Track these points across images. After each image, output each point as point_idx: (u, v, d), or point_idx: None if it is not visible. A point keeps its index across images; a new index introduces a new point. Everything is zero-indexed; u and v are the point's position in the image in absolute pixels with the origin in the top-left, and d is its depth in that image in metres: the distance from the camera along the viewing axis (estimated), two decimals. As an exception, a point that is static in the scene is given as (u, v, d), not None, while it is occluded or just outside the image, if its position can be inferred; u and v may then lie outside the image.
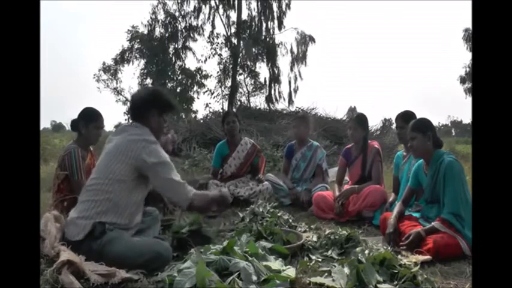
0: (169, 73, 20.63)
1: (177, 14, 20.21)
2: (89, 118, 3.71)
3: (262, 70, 21.04)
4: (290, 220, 3.61)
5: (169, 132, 9.72)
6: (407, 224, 3.20)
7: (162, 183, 2.62)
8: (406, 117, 3.96)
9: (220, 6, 20.04)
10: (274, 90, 20.82)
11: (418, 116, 3.62)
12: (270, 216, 3.50)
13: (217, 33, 20.37)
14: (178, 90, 20.89)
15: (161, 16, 20.26)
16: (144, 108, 2.78)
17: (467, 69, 30.97)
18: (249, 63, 20.77)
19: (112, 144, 2.69)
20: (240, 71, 20.85)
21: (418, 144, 3.24)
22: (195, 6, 20.09)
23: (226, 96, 20.56)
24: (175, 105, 3.00)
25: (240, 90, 20.93)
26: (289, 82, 20.83)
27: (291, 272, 2.34)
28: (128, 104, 20.77)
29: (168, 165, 2.63)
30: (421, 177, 3.38)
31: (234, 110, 17.01)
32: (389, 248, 2.81)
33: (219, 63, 20.72)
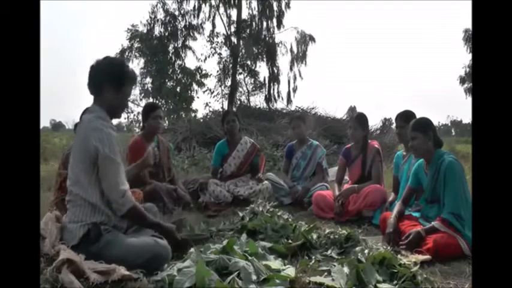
0: (169, 72, 20.59)
1: (176, 13, 20.17)
2: None
3: (262, 69, 20.99)
4: (290, 219, 3.60)
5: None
6: (407, 224, 3.20)
7: (106, 182, 2.42)
8: (405, 116, 3.96)
9: (221, 5, 20.00)
10: (274, 89, 20.78)
11: (418, 116, 3.62)
12: (269, 215, 3.49)
13: (217, 32, 20.35)
14: (178, 90, 20.84)
15: (161, 15, 20.21)
16: (98, 83, 2.52)
17: (467, 69, 31.00)
18: (249, 62, 20.72)
19: (75, 139, 2.57)
20: (240, 70, 20.81)
21: (419, 144, 3.24)
22: (194, 5, 20.06)
23: (226, 96, 20.50)
24: (133, 75, 2.67)
25: (240, 89, 20.89)
26: (289, 81, 20.79)
27: (290, 271, 2.34)
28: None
29: (115, 161, 2.41)
30: (421, 176, 3.38)
31: (234, 109, 16.99)
32: (389, 247, 2.81)
33: (218, 63, 20.67)
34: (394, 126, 4.43)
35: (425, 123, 3.31)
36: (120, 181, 2.43)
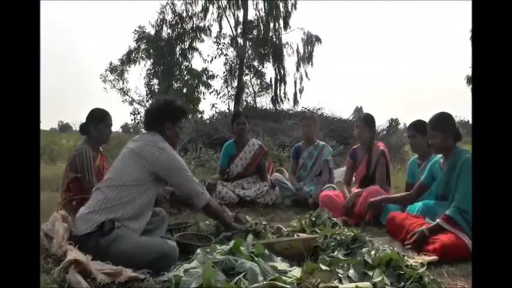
0: (176, 73, 20.66)
1: (184, 14, 20.24)
2: (98, 118, 3.78)
3: (269, 70, 21.01)
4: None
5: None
6: (416, 222, 3.19)
7: (179, 183, 2.87)
8: (418, 126, 3.93)
9: (227, 7, 20.03)
10: (280, 90, 20.77)
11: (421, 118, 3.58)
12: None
13: (223, 34, 20.41)
14: (184, 91, 20.91)
15: (169, 16, 20.30)
16: (159, 121, 2.93)
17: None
18: (256, 63, 20.74)
19: (130, 148, 2.81)
20: (246, 71, 20.85)
21: (438, 143, 3.23)
22: (202, 7, 20.11)
23: (233, 97, 20.57)
24: (187, 111, 3.21)
25: (246, 90, 20.93)
26: (295, 82, 20.75)
27: (296, 272, 2.34)
28: (134, 106, 20.99)
29: (185, 168, 2.86)
30: (435, 171, 3.36)
31: (240, 110, 17.01)
32: (395, 248, 2.80)
33: (225, 64, 20.75)
34: (400, 126, 4.42)
35: (444, 120, 3.26)
36: (197, 183, 2.94)
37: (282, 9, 19.95)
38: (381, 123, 14.19)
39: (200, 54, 20.86)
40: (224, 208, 3.30)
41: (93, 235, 2.49)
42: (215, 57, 20.56)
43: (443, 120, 3.26)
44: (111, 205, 2.58)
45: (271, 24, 20.06)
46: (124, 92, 21.34)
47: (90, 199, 2.72)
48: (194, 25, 20.37)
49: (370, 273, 2.27)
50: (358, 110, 17.17)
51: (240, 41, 20.11)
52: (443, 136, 3.19)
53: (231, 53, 20.58)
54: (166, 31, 20.38)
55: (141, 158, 2.72)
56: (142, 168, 2.71)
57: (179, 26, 20.28)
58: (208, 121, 14.85)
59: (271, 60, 20.55)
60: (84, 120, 3.83)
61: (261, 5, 19.97)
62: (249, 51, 20.16)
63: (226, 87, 20.87)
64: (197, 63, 24.88)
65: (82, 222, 2.56)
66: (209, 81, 21.25)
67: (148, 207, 2.79)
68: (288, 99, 20.61)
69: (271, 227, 3.38)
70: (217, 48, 20.51)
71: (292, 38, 26.59)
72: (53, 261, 2.38)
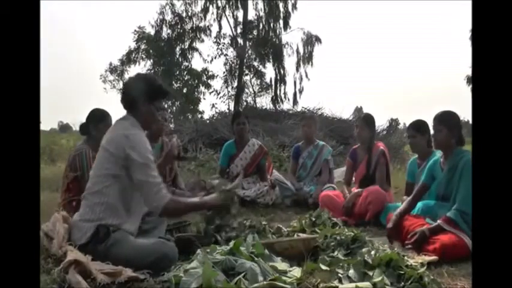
0: (176, 74, 20.66)
1: (184, 14, 20.24)
2: (98, 119, 3.77)
3: (268, 70, 21.01)
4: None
5: (173, 137, 9.30)
6: (414, 223, 3.18)
7: (136, 182, 2.52)
8: (417, 126, 3.92)
9: (227, 7, 20.04)
10: (280, 90, 20.76)
11: (425, 118, 3.58)
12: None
13: (223, 34, 20.41)
14: (184, 91, 20.91)
15: (168, 17, 20.30)
16: (133, 97, 2.68)
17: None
18: (256, 63, 20.74)
19: (102, 145, 2.65)
20: (246, 71, 20.84)
21: (442, 138, 3.21)
22: (201, 7, 20.11)
23: (233, 97, 20.56)
24: (166, 90, 2.88)
25: (246, 90, 20.92)
26: (295, 82, 20.74)
27: (296, 272, 2.34)
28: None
29: (147, 165, 2.50)
30: (436, 170, 3.35)
31: (240, 110, 17.01)
32: (393, 247, 2.80)
33: (225, 64, 20.74)
34: (400, 126, 4.41)
35: (452, 118, 3.24)
36: (153, 183, 2.50)
37: (282, 9, 19.92)
38: (381, 123, 14.22)
39: (200, 54, 20.87)
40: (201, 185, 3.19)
41: (90, 243, 2.43)
42: (215, 57, 20.56)
43: (451, 118, 3.25)
44: (99, 210, 2.49)
45: (271, 24, 20.04)
46: (124, 92, 21.29)
47: (80, 207, 2.63)
48: (194, 25, 20.35)
49: (370, 273, 2.27)
50: (358, 110, 17.19)
51: (240, 41, 20.10)
52: (448, 133, 3.17)
53: (231, 53, 20.59)
54: (166, 31, 20.37)
55: (110, 153, 2.53)
56: (112, 161, 2.52)
57: (179, 26, 20.27)
58: (208, 121, 14.86)
59: (271, 60, 20.53)
60: (84, 121, 3.83)
61: (260, 5, 19.95)
62: (249, 51, 20.15)
63: (226, 87, 20.87)
64: (197, 63, 24.85)
65: (76, 230, 2.51)
66: (209, 81, 21.25)
67: (136, 205, 2.64)
68: (288, 99, 20.60)
69: (271, 227, 3.38)
70: (217, 48, 20.51)
71: (292, 38, 26.56)
72: (53, 261, 2.37)
